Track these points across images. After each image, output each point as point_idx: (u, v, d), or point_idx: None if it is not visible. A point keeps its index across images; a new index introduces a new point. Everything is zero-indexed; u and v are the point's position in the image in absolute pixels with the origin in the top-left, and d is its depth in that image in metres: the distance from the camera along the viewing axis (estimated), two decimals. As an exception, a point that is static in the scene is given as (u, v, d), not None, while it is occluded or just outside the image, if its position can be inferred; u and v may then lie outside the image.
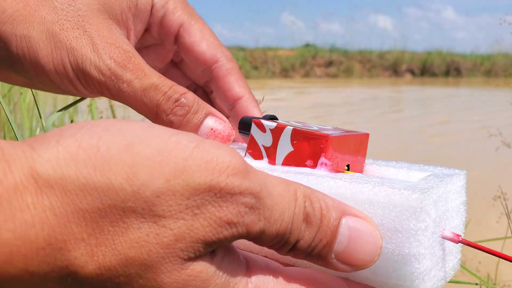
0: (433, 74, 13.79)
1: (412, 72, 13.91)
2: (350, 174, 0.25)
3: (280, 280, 0.21)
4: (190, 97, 0.29)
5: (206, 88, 0.37)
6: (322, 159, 0.25)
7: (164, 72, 0.37)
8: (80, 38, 0.28)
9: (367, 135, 0.29)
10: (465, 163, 3.39)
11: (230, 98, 0.33)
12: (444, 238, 0.22)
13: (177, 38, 0.33)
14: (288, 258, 0.24)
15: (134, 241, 0.17)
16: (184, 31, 0.33)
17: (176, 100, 0.28)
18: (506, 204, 0.61)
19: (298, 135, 0.26)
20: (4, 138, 1.18)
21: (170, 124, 0.29)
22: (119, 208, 0.16)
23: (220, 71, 0.33)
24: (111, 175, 0.16)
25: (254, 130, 0.28)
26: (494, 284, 0.70)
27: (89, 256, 0.16)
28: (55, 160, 0.16)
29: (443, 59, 14.19)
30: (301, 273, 0.22)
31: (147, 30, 0.33)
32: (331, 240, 0.20)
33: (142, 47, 0.35)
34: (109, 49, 0.28)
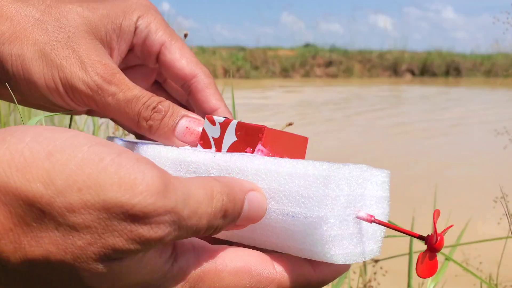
0: (433, 74, 13.80)
1: (412, 72, 13.92)
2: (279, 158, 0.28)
3: (203, 264, 0.24)
4: (166, 104, 0.33)
5: (188, 106, 0.40)
6: (259, 146, 0.30)
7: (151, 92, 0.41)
8: (69, 57, 0.32)
9: (306, 138, 0.32)
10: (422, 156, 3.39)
11: (207, 109, 0.37)
12: (359, 218, 0.25)
13: (158, 56, 0.37)
14: None
15: (53, 238, 0.18)
16: (166, 49, 0.36)
17: (154, 108, 0.32)
18: (506, 204, 0.61)
19: (242, 127, 0.31)
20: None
21: (150, 128, 0.33)
22: (38, 208, 0.18)
23: (199, 85, 0.37)
24: (30, 178, 0.18)
25: (206, 124, 0.32)
26: (496, 285, 0.70)
27: (17, 244, 0.18)
28: None
29: (443, 59, 14.19)
30: (228, 252, 0.25)
31: (131, 50, 0.37)
32: (238, 217, 0.24)
33: (127, 67, 0.39)
34: (95, 66, 0.32)
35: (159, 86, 0.41)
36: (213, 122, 0.32)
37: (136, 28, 0.35)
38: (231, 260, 0.24)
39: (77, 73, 0.32)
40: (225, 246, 0.26)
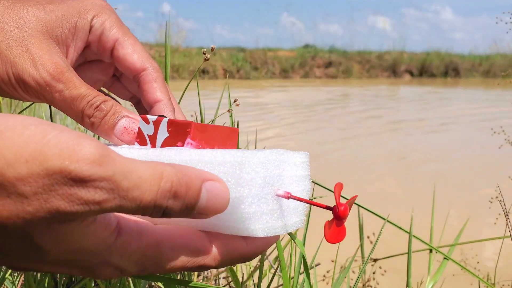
0: (432, 75, 13.81)
1: (410, 73, 13.93)
2: (202, 149, 0.31)
3: (144, 240, 0.26)
4: (109, 104, 0.36)
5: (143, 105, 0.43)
6: (188, 140, 0.32)
7: (110, 85, 0.44)
8: (22, 55, 0.35)
9: (236, 130, 0.35)
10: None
11: (151, 100, 0.39)
12: (278, 195, 0.28)
13: (112, 51, 0.40)
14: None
15: (6, 206, 0.21)
16: (119, 45, 0.39)
17: (97, 106, 0.35)
18: (504, 204, 0.62)
19: (172, 124, 0.33)
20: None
21: (92, 125, 0.36)
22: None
23: (147, 78, 0.39)
24: None
25: (141, 123, 0.35)
26: (493, 284, 0.71)
27: None
28: None
29: (442, 60, 14.20)
30: (168, 230, 0.27)
31: (88, 46, 0.40)
32: (195, 204, 0.25)
33: (85, 62, 0.42)
34: (45, 64, 0.35)
35: (117, 79, 0.44)
36: (147, 121, 0.35)
37: (91, 27, 0.38)
38: (171, 237, 0.27)
39: (28, 69, 0.35)
40: (166, 226, 0.28)
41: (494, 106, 6.89)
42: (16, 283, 0.56)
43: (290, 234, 0.38)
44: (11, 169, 0.21)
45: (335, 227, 0.28)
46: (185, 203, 0.25)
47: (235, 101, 0.56)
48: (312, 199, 0.30)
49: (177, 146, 0.33)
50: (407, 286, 0.55)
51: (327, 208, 0.28)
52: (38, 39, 0.36)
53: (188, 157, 0.30)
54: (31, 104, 0.49)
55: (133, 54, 0.39)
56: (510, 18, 1.10)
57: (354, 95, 8.74)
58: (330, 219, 0.29)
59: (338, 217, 0.28)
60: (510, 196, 0.80)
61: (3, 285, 0.53)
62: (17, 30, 0.35)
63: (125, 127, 0.36)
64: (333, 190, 0.29)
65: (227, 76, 0.63)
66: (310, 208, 0.47)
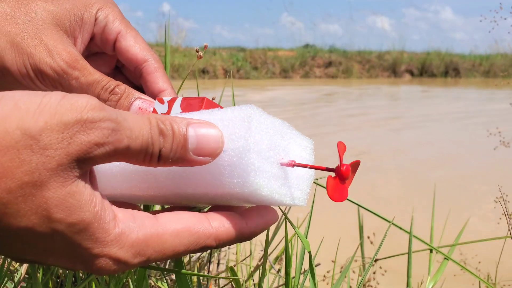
0: (432, 75, 13.80)
1: (411, 73, 13.92)
2: (213, 109, 0.32)
3: (145, 230, 0.27)
4: (122, 87, 0.38)
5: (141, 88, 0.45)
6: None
7: (112, 77, 0.44)
8: (38, 46, 0.36)
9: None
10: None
11: (155, 90, 0.41)
12: (282, 164, 0.29)
13: (115, 43, 0.41)
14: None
15: (28, 169, 0.23)
16: (121, 37, 0.41)
17: (111, 90, 0.37)
18: (505, 205, 0.62)
19: (186, 100, 0.35)
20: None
21: None
22: (14, 148, 0.22)
23: (149, 69, 0.41)
24: (6, 125, 0.23)
25: (156, 104, 0.37)
26: (494, 284, 0.70)
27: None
28: None
29: (442, 60, 14.19)
30: (167, 217, 0.28)
31: (92, 38, 0.41)
32: (185, 142, 0.27)
33: (90, 54, 0.43)
34: (61, 53, 0.37)
35: (119, 71, 0.45)
36: (162, 102, 0.37)
37: (96, 19, 0.40)
38: (171, 223, 0.28)
39: (45, 59, 0.36)
40: (164, 212, 0.29)
41: (471, 105, 7.17)
42: (17, 282, 0.55)
43: (297, 232, 0.38)
44: (33, 129, 0.23)
45: (338, 184, 0.28)
46: (175, 142, 0.27)
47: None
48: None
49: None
50: (407, 286, 0.55)
51: (329, 169, 0.29)
52: (50, 30, 0.37)
53: (199, 116, 0.30)
54: None
55: (135, 46, 0.41)
56: (494, 17, 1.10)
57: (340, 93, 8.87)
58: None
59: (341, 176, 0.28)
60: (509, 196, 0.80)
61: (3, 285, 0.53)
62: (30, 23, 0.36)
63: (140, 108, 0.37)
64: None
65: (227, 76, 0.63)
66: (312, 209, 0.47)
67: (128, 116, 0.26)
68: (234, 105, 0.57)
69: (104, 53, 0.43)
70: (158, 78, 0.41)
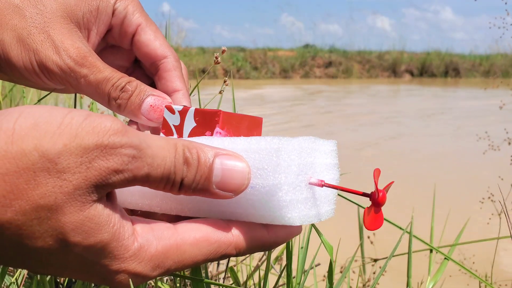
0: (432, 75, 13.79)
1: (411, 73, 13.92)
2: (235, 137, 0.30)
3: (164, 242, 0.26)
4: (133, 84, 0.36)
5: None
6: (217, 129, 0.32)
7: (131, 72, 0.43)
8: (44, 42, 0.34)
9: (260, 119, 0.35)
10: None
11: (170, 89, 0.39)
12: (311, 184, 0.28)
13: (134, 36, 0.39)
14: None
15: (43, 192, 0.22)
16: (142, 29, 0.39)
17: (122, 88, 0.35)
18: (504, 204, 0.62)
19: (199, 113, 0.33)
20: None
21: (119, 107, 0.35)
22: (31, 169, 0.22)
23: (167, 66, 0.39)
24: (23, 145, 0.22)
25: (166, 113, 0.35)
26: (491, 284, 0.71)
27: (8, 206, 0.22)
28: None
29: (442, 60, 14.18)
30: (187, 226, 0.27)
31: (110, 30, 0.39)
32: (209, 174, 0.26)
33: (108, 46, 0.41)
34: (68, 49, 0.34)
35: (138, 65, 0.43)
36: (172, 111, 0.34)
37: (114, 10, 0.38)
38: (190, 232, 0.27)
39: (51, 56, 0.34)
40: (183, 221, 0.28)
41: (446, 102, 7.58)
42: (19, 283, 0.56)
43: (315, 231, 0.38)
44: (52, 151, 0.22)
45: (374, 214, 0.27)
46: (199, 172, 0.26)
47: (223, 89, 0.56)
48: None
49: (205, 135, 0.32)
50: (407, 286, 0.55)
51: (364, 195, 0.28)
52: (59, 24, 0.35)
53: (221, 145, 0.29)
54: (47, 95, 0.48)
55: (155, 41, 0.39)
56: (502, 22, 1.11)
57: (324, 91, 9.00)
58: (368, 206, 0.28)
59: (377, 203, 0.27)
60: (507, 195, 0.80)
61: (2, 285, 0.53)
62: (38, 16, 0.34)
63: (151, 105, 0.35)
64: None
65: (227, 76, 0.64)
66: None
67: (153, 142, 0.25)
68: (234, 105, 0.57)
69: (121, 47, 0.41)
70: (175, 77, 0.39)
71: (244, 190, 0.27)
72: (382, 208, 0.28)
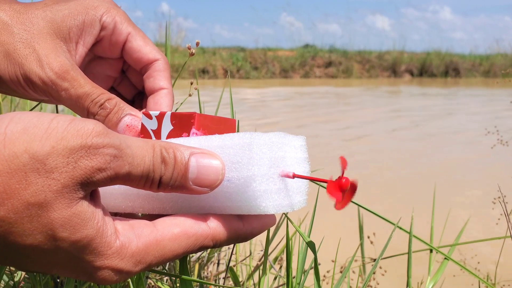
0: (432, 75, 13.80)
1: (411, 73, 13.92)
2: (210, 136, 0.32)
3: (144, 239, 0.27)
4: (113, 102, 0.37)
5: (145, 91, 0.44)
6: (193, 130, 0.33)
7: (119, 82, 0.45)
8: (29, 56, 0.36)
9: (234, 120, 0.37)
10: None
11: (157, 87, 0.41)
12: (283, 175, 0.30)
13: (125, 44, 0.41)
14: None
15: (34, 191, 0.24)
16: (132, 37, 0.41)
17: (101, 105, 0.37)
18: (505, 205, 0.62)
19: (175, 116, 0.34)
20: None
21: None
22: (22, 170, 0.23)
23: (158, 67, 0.42)
24: (14, 149, 0.23)
25: (144, 119, 0.36)
26: (494, 284, 0.70)
27: (1, 205, 0.23)
28: None
29: (442, 60, 14.19)
30: (165, 223, 0.29)
31: (99, 42, 0.41)
32: (185, 172, 0.28)
33: (96, 58, 0.43)
34: (51, 63, 0.37)
35: (125, 76, 0.45)
36: (149, 116, 0.36)
37: (103, 23, 0.40)
38: (168, 228, 0.29)
39: (34, 69, 0.36)
40: (161, 218, 0.30)
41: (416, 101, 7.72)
42: (17, 283, 0.55)
43: (289, 221, 0.38)
44: (41, 152, 0.24)
45: (340, 197, 0.29)
46: (176, 170, 0.28)
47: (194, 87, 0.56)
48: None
49: (182, 137, 0.34)
50: (407, 286, 0.55)
51: (330, 182, 0.29)
52: (44, 39, 0.37)
53: (198, 144, 0.31)
54: (37, 105, 0.51)
55: (146, 46, 0.41)
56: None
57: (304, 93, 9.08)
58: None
59: (342, 188, 0.29)
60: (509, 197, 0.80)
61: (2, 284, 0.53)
62: (25, 32, 0.37)
63: (127, 125, 0.37)
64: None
65: (227, 76, 0.64)
66: (315, 210, 0.47)
67: (132, 142, 0.27)
68: (232, 104, 0.57)
69: (109, 57, 0.43)
70: (162, 77, 0.42)
71: (219, 185, 0.29)
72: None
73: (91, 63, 0.43)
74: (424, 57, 14.28)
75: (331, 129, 4.87)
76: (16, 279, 0.56)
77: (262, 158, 0.29)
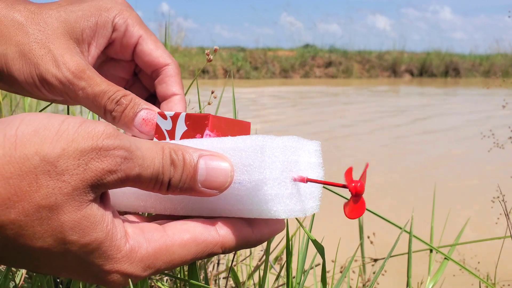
0: (432, 75, 13.80)
1: (411, 73, 13.92)
2: (223, 137, 0.32)
3: (154, 244, 0.27)
4: (128, 98, 0.37)
5: (157, 94, 0.44)
6: (206, 131, 0.33)
7: (131, 84, 0.45)
8: (45, 56, 0.36)
9: (248, 123, 0.37)
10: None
11: (170, 93, 0.41)
12: (295, 180, 0.29)
13: (136, 47, 0.41)
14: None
15: (45, 194, 0.23)
16: (143, 40, 0.41)
17: (117, 101, 0.37)
18: (505, 204, 0.62)
19: (190, 117, 0.34)
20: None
21: (113, 119, 0.38)
22: (33, 173, 0.23)
23: (169, 72, 0.41)
24: (25, 151, 0.23)
25: (159, 120, 0.36)
26: (494, 284, 0.71)
27: (12, 207, 0.23)
28: None
29: (442, 60, 14.18)
30: (175, 228, 0.28)
31: (111, 44, 0.41)
32: (194, 174, 0.28)
33: (108, 59, 0.43)
34: (67, 63, 0.37)
35: (137, 78, 0.45)
36: (164, 117, 0.36)
37: (115, 24, 0.40)
38: (178, 234, 0.28)
39: (50, 70, 0.36)
40: (172, 222, 0.29)
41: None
42: (18, 282, 0.56)
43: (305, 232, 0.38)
44: (51, 155, 0.24)
45: (352, 204, 0.28)
46: (185, 173, 0.28)
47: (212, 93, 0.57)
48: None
49: (196, 138, 0.33)
50: (407, 286, 0.55)
51: (343, 186, 0.29)
52: (59, 40, 0.37)
53: (210, 145, 0.30)
54: (46, 106, 0.50)
55: (157, 50, 0.41)
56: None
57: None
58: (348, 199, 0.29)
59: (356, 193, 0.28)
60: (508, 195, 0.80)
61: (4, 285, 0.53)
62: (40, 33, 0.37)
63: (143, 119, 0.37)
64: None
65: (227, 76, 0.64)
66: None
67: (142, 144, 0.26)
68: (234, 105, 0.57)
69: (121, 59, 0.43)
70: (174, 82, 0.41)
71: (227, 187, 0.29)
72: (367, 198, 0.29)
73: (104, 64, 0.43)
74: (424, 57, 14.27)
75: (326, 127, 4.87)
76: (17, 279, 0.56)
77: (275, 162, 0.28)
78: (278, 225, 0.31)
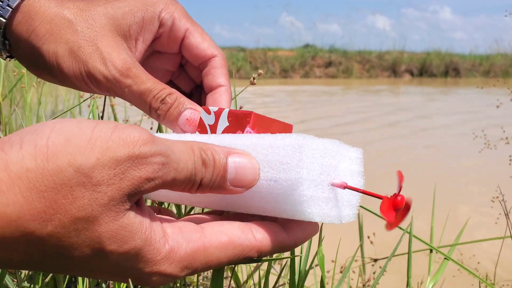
0: (432, 75, 13.79)
1: (411, 73, 13.91)
2: (262, 134, 0.31)
3: (192, 245, 0.27)
4: (173, 97, 0.38)
5: (203, 87, 0.45)
6: (247, 129, 0.33)
7: (177, 76, 0.46)
8: (93, 54, 0.37)
9: (291, 125, 0.36)
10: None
11: (215, 84, 0.42)
12: (333, 185, 0.29)
13: (183, 40, 0.42)
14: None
15: (81, 206, 0.23)
16: (190, 33, 0.41)
17: (162, 100, 0.38)
18: (505, 204, 0.62)
19: (232, 114, 0.35)
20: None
21: (158, 116, 0.38)
22: (67, 185, 0.23)
23: (215, 63, 0.42)
24: (58, 162, 0.23)
25: (203, 114, 0.37)
26: (493, 284, 0.71)
27: (48, 221, 0.23)
28: (21, 160, 0.23)
29: (442, 60, 14.18)
30: (213, 230, 0.29)
31: (158, 38, 0.41)
32: (224, 173, 0.28)
33: (154, 52, 0.44)
34: (114, 61, 0.37)
35: (183, 70, 0.46)
36: (208, 112, 0.37)
37: (161, 19, 0.40)
38: (216, 236, 0.28)
39: (98, 68, 0.37)
40: (209, 223, 0.30)
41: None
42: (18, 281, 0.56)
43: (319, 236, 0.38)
44: (86, 166, 0.23)
45: (393, 215, 0.27)
46: (215, 172, 0.28)
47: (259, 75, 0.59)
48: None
49: (236, 133, 0.33)
50: (407, 286, 0.55)
51: (382, 198, 0.28)
52: (107, 37, 0.38)
53: (249, 141, 0.30)
54: (67, 110, 0.51)
55: (204, 42, 0.42)
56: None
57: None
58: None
59: (396, 206, 0.27)
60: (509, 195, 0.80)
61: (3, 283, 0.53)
62: (88, 30, 0.38)
63: (187, 119, 0.38)
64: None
65: (232, 76, 0.64)
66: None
67: (175, 147, 0.26)
68: (235, 105, 0.57)
69: (168, 52, 0.43)
70: (220, 74, 0.42)
71: (254, 185, 0.29)
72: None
73: (150, 57, 0.44)
74: (424, 57, 14.26)
75: (322, 125, 4.87)
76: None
77: (313, 163, 0.28)
78: (312, 229, 0.31)
